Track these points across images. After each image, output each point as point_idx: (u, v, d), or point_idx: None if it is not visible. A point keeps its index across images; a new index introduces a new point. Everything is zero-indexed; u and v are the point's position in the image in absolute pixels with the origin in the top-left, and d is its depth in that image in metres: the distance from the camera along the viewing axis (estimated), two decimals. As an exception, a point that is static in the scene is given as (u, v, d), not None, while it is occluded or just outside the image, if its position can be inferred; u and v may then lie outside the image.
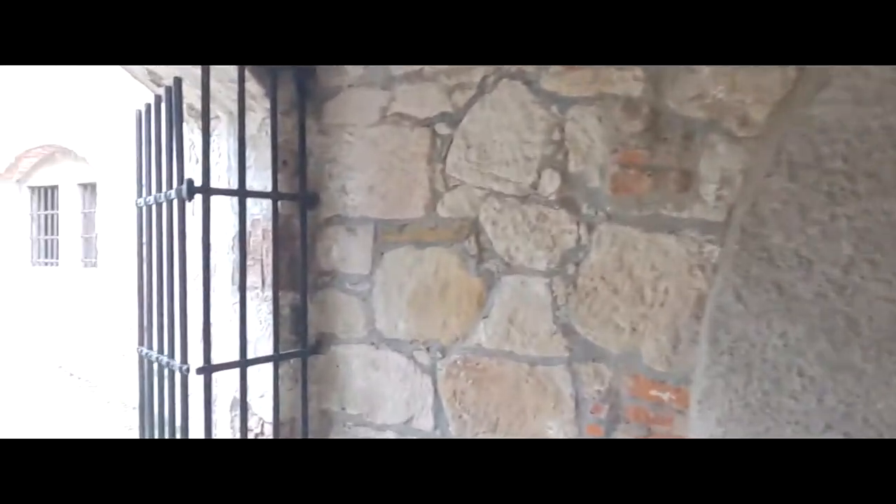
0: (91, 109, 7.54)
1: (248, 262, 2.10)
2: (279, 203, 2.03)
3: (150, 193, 2.08)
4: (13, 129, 8.29)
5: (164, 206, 1.91)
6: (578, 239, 1.63)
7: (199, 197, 1.81)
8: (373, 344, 2.01)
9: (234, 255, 2.17)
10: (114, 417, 5.98)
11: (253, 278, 2.11)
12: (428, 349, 1.89)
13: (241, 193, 1.91)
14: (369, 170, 2.01)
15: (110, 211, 7.49)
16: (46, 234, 8.81)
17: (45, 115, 7.95)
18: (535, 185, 1.69)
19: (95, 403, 6.25)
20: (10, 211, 8.86)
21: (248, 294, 2.04)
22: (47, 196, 8.75)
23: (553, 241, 1.66)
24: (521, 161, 1.71)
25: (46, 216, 8.79)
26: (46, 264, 8.79)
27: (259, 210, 2.13)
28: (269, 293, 2.08)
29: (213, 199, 1.84)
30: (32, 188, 8.84)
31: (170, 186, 1.89)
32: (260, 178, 2.11)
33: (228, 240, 2.22)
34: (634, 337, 1.55)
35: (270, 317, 2.06)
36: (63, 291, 8.51)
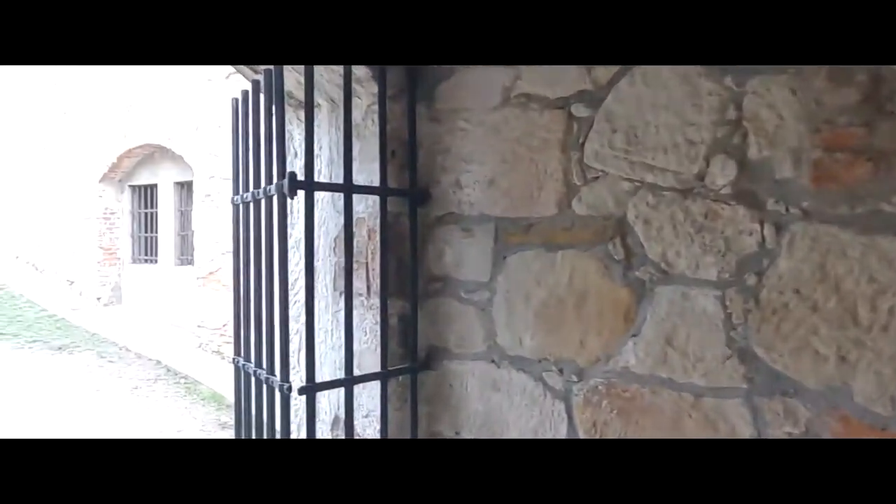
0: (187, 108, 7.68)
1: (353, 266, 1.89)
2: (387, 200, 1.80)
3: (246, 190, 1.90)
4: (117, 129, 8.58)
5: (263, 203, 1.72)
6: (762, 242, 1.30)
7: (300, 194, 1.61)
8: (493, 361, 1.75)
9: (337, 258, 1.96)
10: (212, 415, 6.03)
11: (357, 284, 1.89)
12: (560, 370, 1.61)
13: (348, 189, 1.69)
14: (489, 161, 1.75)
15: (205, 209, 7.61)
16: (146, 231, 9.09)
17: (146, 114, 8.18)
18: (701, 176, 1.38)
19: (193, 401, 6.33)
20: (115, 210, 9.20)
21: (354, 301, 1.82)
22: (146, 195, 9.03)
23: (726, 244, 1.35)
24: (684, 146, 1.40)
25: (146, 214, 9.08)
26: (146, 261, 9.08)
27: (363, 208, 1.91)
28: (375, 301, 1.86)
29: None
30: (133, 187, 9.15)
31: (269, 182, 1.70)
32: (364, 172, 1.89)
33: (329, 241, 2.02)
34: (843, 368, 1.21)
35: (377, 327, 1.83)
36: (159, 288, 8.75)
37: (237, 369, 2.03)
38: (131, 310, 9.04)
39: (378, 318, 1.84)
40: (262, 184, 1.77)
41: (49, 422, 5.49)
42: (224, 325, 7.40)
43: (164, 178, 8.63)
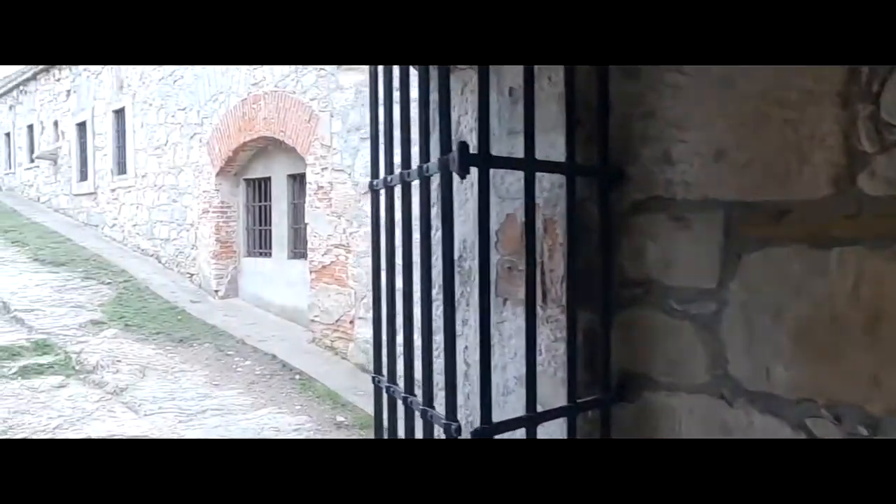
0: (299, 99, 7.59)
1: (519, 266, 1.50)
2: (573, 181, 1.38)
3: (389, 172, 1.55)
4: (233, 123, 8.68)
5: (418, 185, 1.36)
6: None
7: (462, 177, 1.22)
8: (721, 397, 1.29)
9: (500, 256, 1.57)
10: (327, 414, 5.88)
11: (528, 289, 1.49)
12: (837, 418, 1.14)
13: (530, 165, 1.28)
14: (715, 125, 1.29)
15: (317, 202, 7.51)
16: (260, 224, 9.17)
17: (260, 107, 8.20)
18: None
19: (309, 398, 6.23)
20: (231, 203, 9.34)
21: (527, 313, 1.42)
22: (261, 188, 9.10)
23: None
24: None
25: (260, 207, 9.15)
26: (260, 254, 9.16)
27: (536, 192, 1.50)
28: (553, 311, 1.46)
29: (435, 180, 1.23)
30: (248, 181, 9.25)
31: (425, 159, 1.33)
32: (539, 146, 1.48)
33: (490, 234, 1.63)
34: None
35: (557, 346, 1.43)
36: (273, 281, 8.79)
37: (378, 390, 1.69)
38: (247, 303, 9.15)
39: (558, 335, 1.44)
40: (415, 163, 1.41)
41: (171, 417, 5.51)
42: (337, 321, 7.27)
43: (278, 171, 8.65)
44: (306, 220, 7.68)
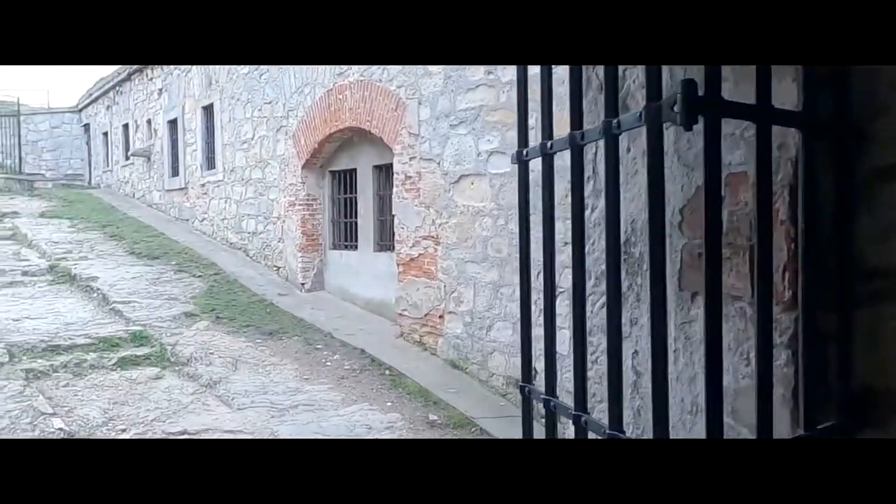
0: (385, 88, 7.42)
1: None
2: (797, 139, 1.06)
3: (547, 138, 1.26)
4: (319, 116, 8.63)
5: (598, 149, 1.07)
6: None
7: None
8: None
9: (687, 240, 1.26)
10: (419, 412, 5.69)
11: (731, 281, 1.17)
12: None
13: (764, 114, 0.96)
14: None
15: (404, 192, 7.32)
16: (345, 217, 9.11)
17: (346, 97, 8.10)
18: None
19: (399, 395, 6.06)
20: (316, 195, 9.33)
21: (724, 308, 1.11)
22: (346, 180, 9.02)
23: None
24: None
25: (345, 199, 9.08)
26: (346, 247, 9.10)
27: (736, 157, 1.18)
28: (774, 309, 1.12)
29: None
30: (333, 172, 9.20)
31: (612, 113, 1.04)
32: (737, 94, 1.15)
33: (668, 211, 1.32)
34: None
35: (782, 353, 1.10)
36: (359, 274, 8.69)
37: (526, 399, 1.41)
38: (332, 296, 9.12)
39: (778, 340, 1.12)
40: (585, 124, 1.12)
41: (264, 412, 5.45)
42: (426, 315, 7.08)
43: (363, 163, 8.54)
44: (393, 212, 7.52)
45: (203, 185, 12.19)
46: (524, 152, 1.36)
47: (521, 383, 1.44)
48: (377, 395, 6.08)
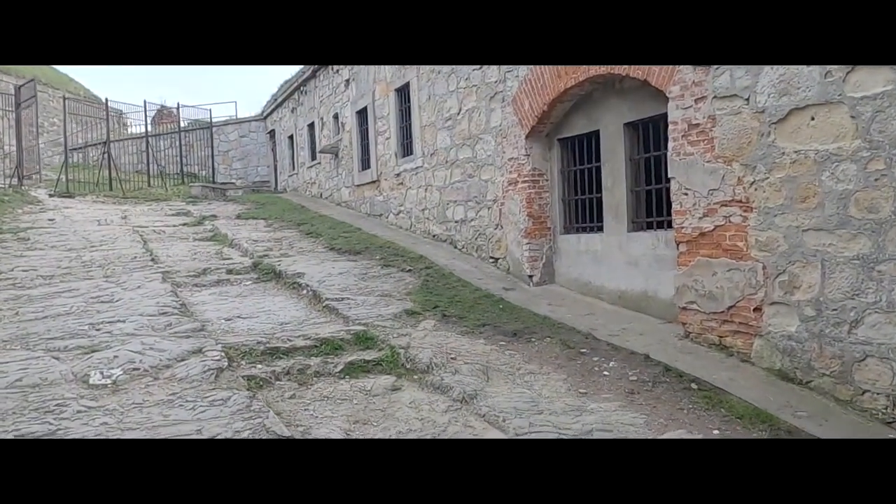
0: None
1: None
2: None
3: None
4: (548, 67, 7.08)
5: None
6: None
7: None
8: None
9: None
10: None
11: None
12: None
13: None
14: None
15: (688, 147, 5.54)
16: (580, 193, 7.47)
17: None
18: None
19: (724, 419, 4.28)
20: (543, 170, 7.78)
21: None
22: (581, 147, 7.38)
23: None
24: None
25: (579, 172, 7.44)
26: (582, 229, 7.45)
27: None
28: None
29: None
30: (563, 140, 7.60)
31: None
32: None
33: None
34: None
35: None
36: (607, 260, 6.99)
37: None
38: (567, 289, 7.50)
39: None
40: None
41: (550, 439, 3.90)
42: (729, 309, 5.22)
43: (609, 122, 6.84)
44: (670, 174, 5.74)
45: (398, 175, 11.16)
46: None
47: None
48: (693, 418, 4.33)
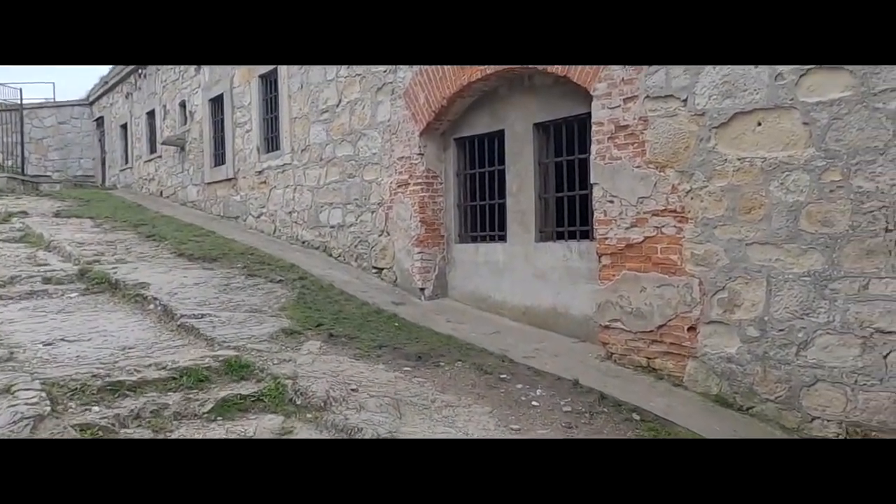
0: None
1: None
2: None
3: None
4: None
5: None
6: None
7: None
8: None
9: None
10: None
11: None
12: None
13: None
14: None
15: (612, 151, 5.07)
16: (479, 199, 6.81)
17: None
18: None
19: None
20: (437, 172, 7.02)
21: None
22: (480, 148, 6.72)
23: None
24: None
25: (480, 175, 6.78)
26: (481, 239, 6.79)
27: None
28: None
29: None
30: (460, 140, 6.90)
31: None
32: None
33: None
34: None
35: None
36: (511, 273, 6.38)
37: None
38: (462, 304, 6.81)
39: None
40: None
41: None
42: (659, 328, 4.78)
43: (516, 121, 6.26)
44: (593, 180, 5.24)
45: (260, 173, 9.88)
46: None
47: None
48: (644, 456, 3.76)
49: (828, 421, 3.95)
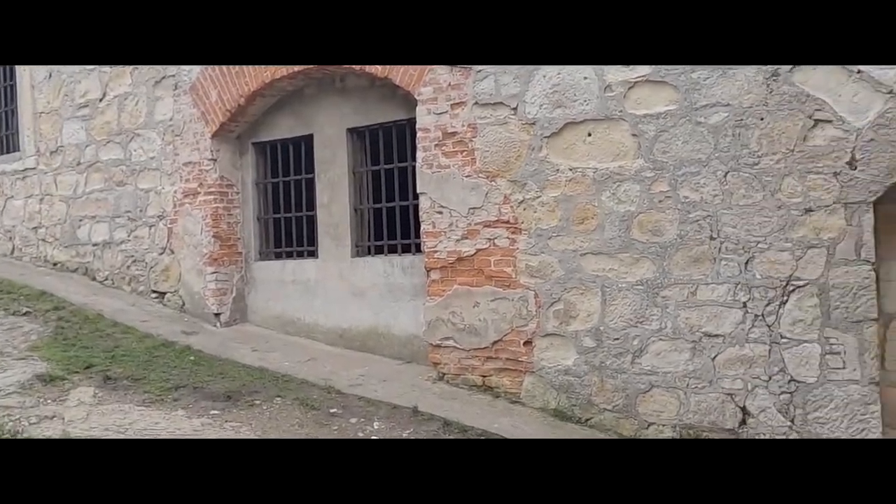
0: None
1: None
2: None
3: None
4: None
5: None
6: None
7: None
8: None
9: None
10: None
11: None
12: None
13: None
14: None
15: (441, 159, 4.81)
16: (286, 211, 6.11)
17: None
18: None
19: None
20: (233, 180, 6.16)
21: None
22: (286, 154, 6.04)
23: None
24: None
25: (285, 185, 6.08)
26: (289, 255, 6.10)
27: None
28: None
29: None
30: (260, 144, 6.13)
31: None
32: None
33: None
34: None
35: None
36: (323, 293, 5.82)
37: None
38: (267, 329, 6.05)
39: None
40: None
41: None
42: (494, 344, 4.59)
43: (328, 125, 5.71)
44: (420, 190, 4.90)
45: (-9, 180, 7.98)
46: None
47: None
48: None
49: (662, 425, 4.04)
